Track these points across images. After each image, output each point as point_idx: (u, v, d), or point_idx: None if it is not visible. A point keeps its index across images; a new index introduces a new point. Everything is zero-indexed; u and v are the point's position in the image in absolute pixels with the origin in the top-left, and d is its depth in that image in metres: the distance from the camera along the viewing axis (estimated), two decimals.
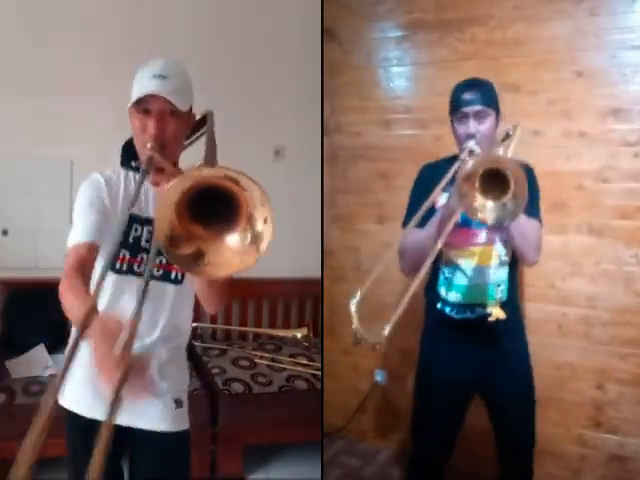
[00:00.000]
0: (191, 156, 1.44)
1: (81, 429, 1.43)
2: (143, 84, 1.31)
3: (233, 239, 1.00)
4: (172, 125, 1.32)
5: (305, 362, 2.94)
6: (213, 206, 0.99)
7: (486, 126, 1.69)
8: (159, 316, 1.44)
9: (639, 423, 2.30)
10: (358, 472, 2.67)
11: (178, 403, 1.48)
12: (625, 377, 2.31)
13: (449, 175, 1.60)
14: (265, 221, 0.98)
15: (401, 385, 2.81)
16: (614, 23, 2.26)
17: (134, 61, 3.36)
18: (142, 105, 1.31)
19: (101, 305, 1.30)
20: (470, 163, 1.44)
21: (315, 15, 2.79)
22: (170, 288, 1.43)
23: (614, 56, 2.27)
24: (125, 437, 1.41)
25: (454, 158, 1.84)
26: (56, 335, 2.91)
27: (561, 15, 2.34)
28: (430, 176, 1.80)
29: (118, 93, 3.17)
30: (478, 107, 1.68)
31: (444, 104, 2.58)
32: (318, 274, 2.87)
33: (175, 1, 3.14)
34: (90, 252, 1.29)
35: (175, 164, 1.40)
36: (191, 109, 1.41)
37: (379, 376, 2.89)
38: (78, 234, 1.32)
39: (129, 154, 1.43)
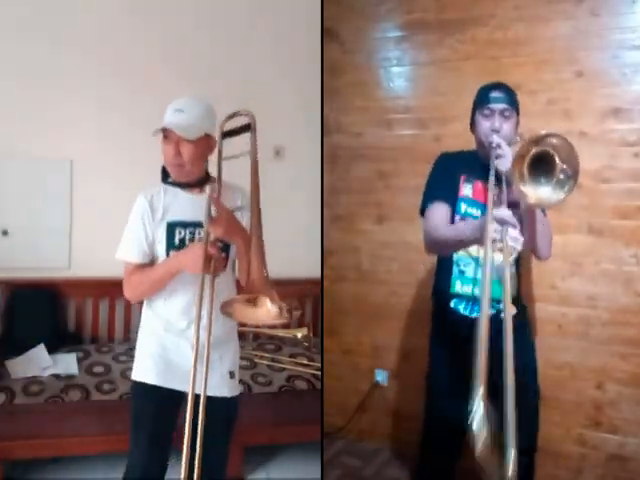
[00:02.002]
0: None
1: (149, 397, 1.74)
2: (166, 116, 1.63)
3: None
4: (186, 149, 1.62)
5: (305, 362, 2.94)
6: None
7: (509, 125, 1.78)
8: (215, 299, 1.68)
9: (639, 423, 2.30)
10: (358, 472, 2.66)
11: (232, 374, 1.79)
12: (625, 377, 2.31)
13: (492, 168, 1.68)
14: None
15: (401, 385, 2.81)
16: (615, 23, 2.26)
17: (134, 62, 3.38)
18: (165, 132, 1.62)
19: (158, 299, 1.72)
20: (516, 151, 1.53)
21: (315, 15, 2.79)
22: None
23: (615, 56, 2.27)
24: (183, 400, 1.66)
25: (472, 152, 1.88)
26: (56, 335, 2.92)
27: (562, 15, 2.34)
28: (450, 163, 1.87)
29: (118, 94, 3.20)
30: (504, 106, 1.77)
31: (444, 104, 2.60)
32: (318, 274, 2.87)
33: (176, 2, 3.14)
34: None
35: (207, 172, 1.72)
36: (208, 136, 1.66)
37: (379, 376, 2.89)
38: (132, 254, 1.67)
39: (166, 172, 1.72)
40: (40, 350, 2.71)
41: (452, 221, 1.81)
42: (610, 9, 2.27)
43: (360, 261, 2.92)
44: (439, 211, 1.79)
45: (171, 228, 1.66)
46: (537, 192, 1.52)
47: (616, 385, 2.33)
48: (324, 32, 2.84)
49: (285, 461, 2.77)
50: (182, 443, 1.43)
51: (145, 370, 1.75)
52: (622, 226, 2.29)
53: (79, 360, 2.75)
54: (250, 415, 2.57)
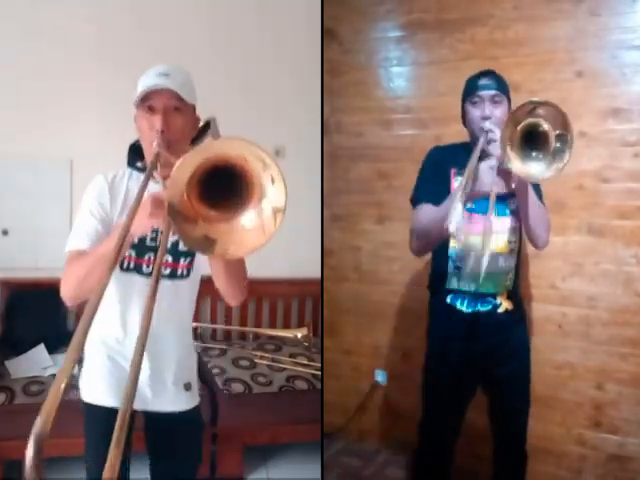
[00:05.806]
0: None
1: (100, 419, 1.52)
2: (147, 82, 1.36)
3: (245, 219, 0.97)
4: (177, 121, 1.37)
5: (305, 362, 2.94)
6: (224, 186, 0.95)
7: (500, 111, 1.74)
8: (168, 311, 1.49)
9: (639, 423, 2.30)
10: (358, 472, 2.66)
11: (187, 387, 1.61)
12: (625, 377, 2.31)
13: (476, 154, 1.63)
14: (273, 181, 0.99)
15: (401, 385, 2.81)
16: (614, 23, 2.26)
17: (134, 62, 3.37)
18: (147, 102, 1.36)
19: (108, 302, 1.47)
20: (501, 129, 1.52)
21: (315, 15, 2.79)
22: (179, 283, 1.51)
23: (614, 56, 2.27)
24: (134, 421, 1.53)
25: (464, 144, 1.85)
26: (56, 335, 2.92)
27: (561, 15, 2.34)
28: (441, 156, 1.86)
29: (118, 93, 3.19)
30: (493, 92, 1.75)
31: (444, 104, 2.60)
32: (318, 274, 2.87)
33: (175, 2, 3.14)
34: None
35: None
36: (195, 109, 1.45)
37: (379, 376, 2.88)
38: (78, 240, 1.40)
39: (135, 154, 1.49)
40: (40, 350, 2.72)
41: None
42: (610, 9, 2.26)
43: (360, 261, 2.92)
44: (425, 212, 1.76)
45: None
46: (528, 166, 1.50)
47: (616, 385, 2.33)
48: (324, 32, 2.84)
49: (285, 461, 2.77)
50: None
51: (96, 390, 1.57)
52: (622, 226, 2.29)
53: (79, 360, 2.75)
54: (250, 415, 2.58)
